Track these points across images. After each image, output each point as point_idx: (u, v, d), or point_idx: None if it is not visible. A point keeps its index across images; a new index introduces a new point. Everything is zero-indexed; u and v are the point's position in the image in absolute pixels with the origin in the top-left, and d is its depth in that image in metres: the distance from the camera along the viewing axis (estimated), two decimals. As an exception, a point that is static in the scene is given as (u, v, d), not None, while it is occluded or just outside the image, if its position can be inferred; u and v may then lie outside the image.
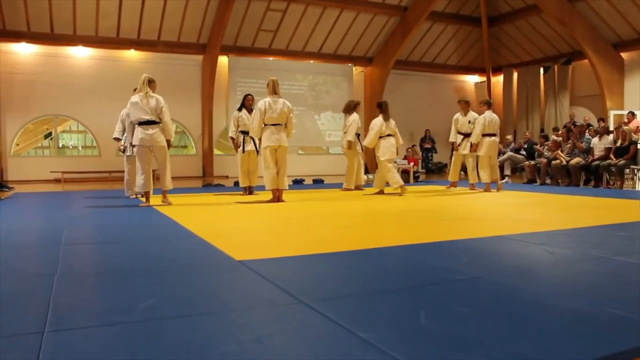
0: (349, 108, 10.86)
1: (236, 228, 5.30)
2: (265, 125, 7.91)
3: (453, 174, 10.76)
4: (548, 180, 12.28)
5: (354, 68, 19.99)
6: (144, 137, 7.21)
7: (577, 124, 15.23)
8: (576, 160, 11.59)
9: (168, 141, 7.42)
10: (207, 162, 17.34)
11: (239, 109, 9.53)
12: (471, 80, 22.47)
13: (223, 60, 17.66)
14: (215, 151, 17.91)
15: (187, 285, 2.99)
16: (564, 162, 11.75)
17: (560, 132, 13.58)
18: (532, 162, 12.64)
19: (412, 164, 14.07)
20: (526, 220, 5.86)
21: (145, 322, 2.36)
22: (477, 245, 4.24)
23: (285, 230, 5.17)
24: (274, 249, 4.11)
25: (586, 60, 17.50)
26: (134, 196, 8.66)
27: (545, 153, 12.58)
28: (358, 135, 10.74)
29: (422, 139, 19.97)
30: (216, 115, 17.48)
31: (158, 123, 7.30)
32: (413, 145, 18.80)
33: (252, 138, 8.68)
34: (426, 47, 20.56)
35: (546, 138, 13.40)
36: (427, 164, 19.89)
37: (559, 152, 12.15)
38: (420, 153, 19.56)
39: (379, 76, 19.55)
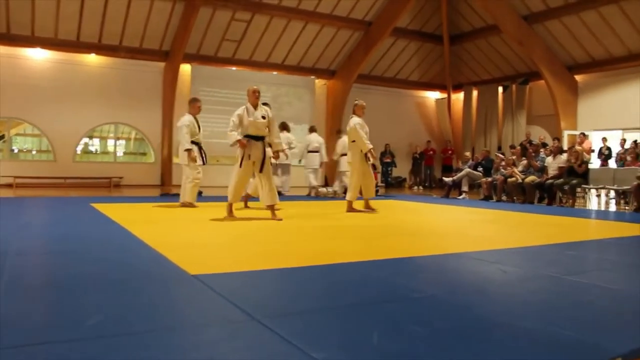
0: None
1: (193, 240, 5.21)
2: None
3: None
4: (504, 197, 12.49)
5: (316, 81, 20.04)
6: None
7: (533, 142, 15.59)
8: (531, 178, 11.82)
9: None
10: (165, 171, 17.11)
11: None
12: (432, 96, 22.77)
13: (186, 68, 17.50)
14: (175, 159, 17.67)
15: (138, 301, 2.91)
16: (520, 180, 11.98)
17: (515, 149, 13.85)
18: (489, 179, 12.84)
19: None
20: (482, 237, 5.91)
21: (90, 341, 2.28)
22: (434, 262, 4.25)
23: (242, 244, 5.11)
24: (230, 263, 4.05)
25: (542, 81, 17.96)
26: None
27: (502, 170, 12.80)
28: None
29: (382, 153, 20.10)
30: (177, 125, 17.25)
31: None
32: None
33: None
34: (389, 62, 20.78)
35: (503, 154, 13.64)
36: (387, 178, 20.03)
37: (514, 169, 12.38)
38: (380, 167, 19.69)
39: (341, 89, 19.65)
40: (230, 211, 7.33)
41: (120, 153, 17.60)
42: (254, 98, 7.26)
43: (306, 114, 19.61)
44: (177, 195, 12.14)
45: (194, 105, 9.28)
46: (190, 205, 8.96)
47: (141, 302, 2.86)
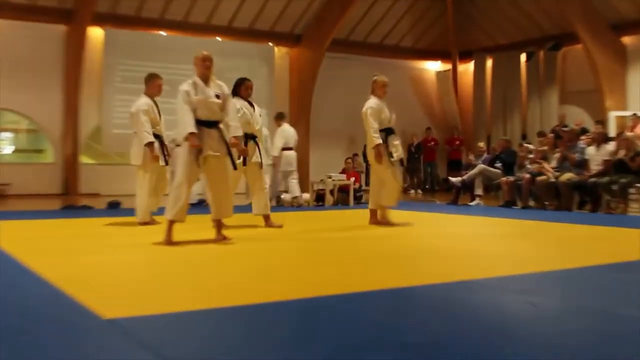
0: None
1: (110, 270, 5.14)
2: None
3: None
4: (532, 203, 12.59)
5: (276, 49, 19.98)
6: None
7: (568, 127, 15.76)
8: (567, 176, 11.93)
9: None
10: (70, 175, 16.91)
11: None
12: (432, 68, 22.92)
13: (96, 33, 17.34)
14: (83, 159, 17.46)
15: (29, 358, 2.83)
16: (552, 179, 12.08)
17: (546, 137, 13.97)
18: (511, 178, 12.92)
19: (352, 179, 14.13)
20: (502, 257, 5.94)
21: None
22: (437, 294, 4.24)
23: (183, 273, 5.06)
24: (165, 300, 3.99)
25: (579, 45, 18.17)
26: None
27: (528, 166, 12.91)
28: None
29: (366, 145, 20.12)
30: (85, 110, 17.09)
31: None
32: (354, 155, 18.94)
33: (256, 144, 8.66)
34: (373, 23, 20.85)
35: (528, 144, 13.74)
36: (373, 180, 20.06)
37: (545, 165, 12.47)
38: (363, 165, 19.70)
39: (309, 60, 19.64)
40: (169, 234, 6.76)
41: (6, 150, 17.32)
42: (204, 68, 7.02)
43: (262, 94, 19.47)
44: (87, 207, 12.07)
45: (153, 84, 9.38)
46: (151, 222, 8.84)
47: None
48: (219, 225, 7.08)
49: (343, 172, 14.71)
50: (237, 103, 8.09)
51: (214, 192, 7.04)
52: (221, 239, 6.95)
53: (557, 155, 12.55)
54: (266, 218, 8.58)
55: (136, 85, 17.72)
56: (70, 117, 16.85)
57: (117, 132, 17.45)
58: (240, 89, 8.56)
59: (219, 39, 18.81)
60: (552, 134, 14.51)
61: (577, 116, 18.29)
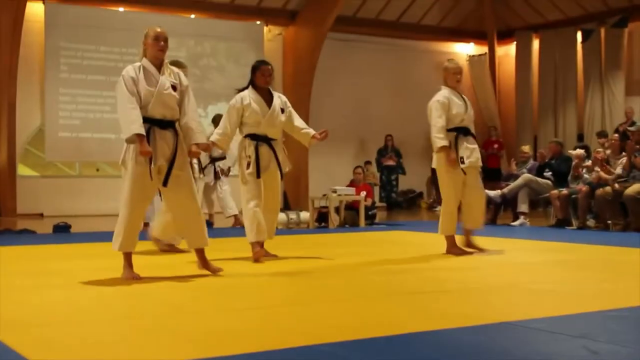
0: None
1: (59, 313, 5.11)
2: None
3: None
4: (591, 222, 12.56)
5: (265, 28, 20.03)
6: None
7: (638, 125, 15.70)
8: (636, 187, 11.89)
9: None
10: (4, 190, 16.89)
11: (243, 89, 8.48)
12: (463, 51, 22.96)
13: (35, 9, 17.38)
14: (21, 170, 17.46)
15: None
16: (616, 186, 12.02)
17: (610, 139, 13.87)
18: (564, 191, 12.90)
19: (363, 193, 14.05)
20: (555, 293, 5.92)
21: None
22: (472, 340, 4.22)
23: (158, 316, 5.03)
24: (133, 353, 3.98)
25: (651, 21, 18.19)
26: None
27: (586, 175, 12.87)
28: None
29: (381, 151, 20.16)
30: (23, 107, 17.11)
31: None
32: (366, 163, 18.96)
33: (272, 149, 8.27)
34: (388, -5, 20.90)
35: (586, 149, 13.71)
36: (390, 194, 20.07)
37: (605, 170, 12.37)
38: (377, 175, 19.71)
39: (307, 42, 19.65)
40: (128, 266, 6.71)
41: None
42: (157, 49, 6.74)
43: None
44: (28, 232, 12.04)
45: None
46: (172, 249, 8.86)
47: None
48: (201, 253, 6.92)
49: (351, 184, 14.58)
50: (248, 97, 8.18)
51: (179, 217, 6.93)
52: (207, 270, 6.89)
53: (624, 161, 12.49)
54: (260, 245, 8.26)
55: (87, 76, 17.86)
56: (4, 117, 16.85)
57: (64, 136, 17.53)
58: (256, 75, 8.39)
59: (193, 16, 18.86)
60: (616, 134, 14.45)
61: (648, 111, 18.31)
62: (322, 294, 6.06)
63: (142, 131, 6.40)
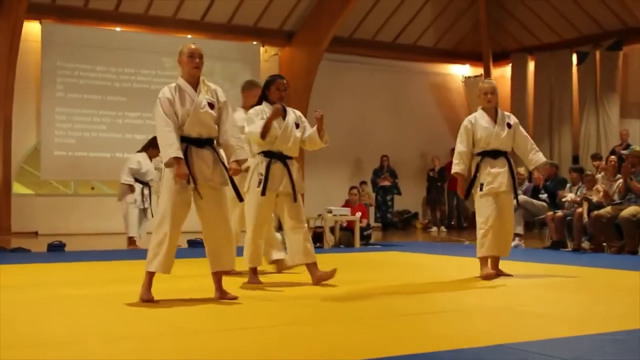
0: None
1: (62, 342, 5.11)
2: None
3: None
4: (585, 244, 12.55)
5: (261, 49, 20.05)
6: None
7: (633, 148, 15.70)
8: (631, 210, 11.89)
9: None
10: (0, 208, 16.84)
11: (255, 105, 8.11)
12: (458, 72, 22.99)
13: (32, 28, 17.39)
14: (16, 188, 17.42)
15: None
16: (608, 214, 12.04)
17: (609, 160, 13.68)
18: (560, 213, 12.90)
19: (358, 214, 14.04)
20: (549, 316, 5.91)
21: None
22: (466, 363, 4.22)
23: (167, 343, 5.02)
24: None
25: (645, 45, 18.23)
26: None
27: (570, 197, 12.85)
28: None
29: (376, 171, 20.16)
30: (19, 125, 17.10)
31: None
32: (361, 183, 18.95)
33: (286, 167, 7.86)
34: (384, 17, 20.92)
35: (580, 171, 13.70)
36: (385, 214, 20.04)
37: (597, 190, 12.37)
38: (372, 196, 19.70)
39: (304, 63, 19.68)
40: (148, 288, 6.52)
41: None
42: (192, 67, 6.69)
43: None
44: (22, 251, 11.99)
45: (250, 94, 9.09)
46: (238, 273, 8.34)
47: None
48: (218, 279, 6.72)
49: (347, 205, 14.53)
50: (262, 112, 7.78)
51: (210, 236, 6.67)
52: (224, 297, 6.64)
53: (618, 182, 12.51)
54: (312, 267, 7.85)
55: (83, 95, 17.85)
56: (0, 135, 16.82)
57: (60, 155, 17.49)
58: (270, 90, 7.93)
59: (189, 36, 18.88)
60: (613, 156, 14.36)
61: (644, 133, 18.33)
62: (318, 315, 6.04)
63: (180, 154, 6.35)
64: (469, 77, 22.68)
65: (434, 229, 19.86)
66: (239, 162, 6.70)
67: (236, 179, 6.87)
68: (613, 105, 19.71)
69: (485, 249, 8.29)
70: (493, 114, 8.49)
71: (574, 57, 20.51)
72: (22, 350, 4.52)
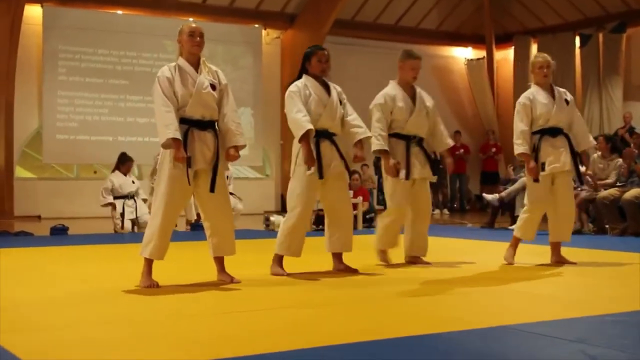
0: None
1: (68, 325, 5.11)
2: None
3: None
4: (589, 226, 12.56)
5: (263, 32, 20.03)
6: None
7: (637, 130, 15.71)
8: (634, 192, 11.90)
9: None
10: (2, 192, 16.86)
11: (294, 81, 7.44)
12: (461, 55, 22.95)
13: (33, 12, 17.37)
14: (19, 172, 17.44)
15: None
16: (612, 196, 12.03)
17: (598, 142, 13.49)
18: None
19: (360, 198, 14.03)
20: (552, 298, 5.94)
21: None
22: (469, 344, 4.22)
23: (169, 325, 5.05)
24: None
25: (649, 26, 18.19)
26: None
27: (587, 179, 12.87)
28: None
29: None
30: (21, 110, 17.09)
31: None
32: (362, 166, 18.92)
33: (335, 145, 7.31)
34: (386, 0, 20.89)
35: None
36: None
37: (594, 183, 12.36)
38: (375, 179, 19.67)
39: (305, 45, 19.02)
40: (148, 273, 6.41)
41: None
42: (193, 46, 6.49)
43: (245, 89, 19.57)
44: (25, 234, 12.01)
45: (404, 66, 8.26)
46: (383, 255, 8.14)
47: None
48: (220, 262, 6.66)
49: (349, 188, 14.46)
50: (306, 86, 7.20)
51: (211, 222, 6.56)
52: (225, 280, 6.57)
53: (617, 163, 12.53)
54: (340, 258, 7.48)
55: (85, 79, 17.83)
56: (2, 119, 16.82)
57: (62, 138, 17.49)
58: (311, 62, 7.29)
59: (191, 19, 18.83)
60: (603, 138, 14.05)
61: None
62: (319, 298, 6.04)
63: (178, 135, 6.16)
64: (471, 59, 22.65)
65: (437, 211, 19.84)
66: (237, 148, 6.55)
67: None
68: (616, 87, 19.69)
69: (523, 232, 8.02)
70: (549, 89, 8.15)
71: (577, 40, 20.48)
72: (23, 333, 4.54)
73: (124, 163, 13.43)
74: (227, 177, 13.28)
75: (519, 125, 7.95)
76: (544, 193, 7.89)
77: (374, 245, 8.06)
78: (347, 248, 7.43)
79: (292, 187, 7.23)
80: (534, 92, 8.10)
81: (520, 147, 7.88)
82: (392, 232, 7.96)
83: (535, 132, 7.97)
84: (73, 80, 17.62)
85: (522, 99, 8.12)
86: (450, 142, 7.74)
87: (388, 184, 7.81)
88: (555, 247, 8.07)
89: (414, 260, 7.91)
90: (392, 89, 7.84)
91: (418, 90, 7.84)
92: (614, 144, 12.97)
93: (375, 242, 8.02)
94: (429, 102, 7.89)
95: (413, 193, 7.81)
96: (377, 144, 7.65)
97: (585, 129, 8.36)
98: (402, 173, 7.55)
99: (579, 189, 12.49)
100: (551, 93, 8.07)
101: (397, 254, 8.04)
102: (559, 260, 7.98)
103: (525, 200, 8.27)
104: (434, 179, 7.92)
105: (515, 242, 8.11)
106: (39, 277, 7.20)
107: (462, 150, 20.66)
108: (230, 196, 7.25)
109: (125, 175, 13.44)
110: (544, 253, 8.14)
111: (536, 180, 7.83)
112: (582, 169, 8.59)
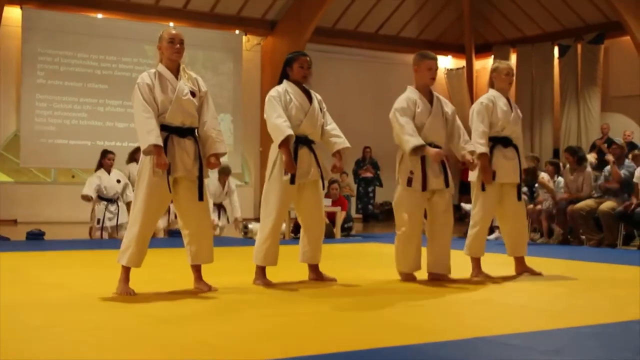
0: None
1: (42, 334, 5.08)
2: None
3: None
4: (555, 236, 12.68)
5: (244, 38, 20.03)
6: None
7: (616, 141, 15.74)
8: (610, 204, 11.96)
9: None
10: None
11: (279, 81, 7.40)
12: (441, 64, 22.87)
13: (12, 13, 17.31)
14: (5, 177, 17.37)
15: None
16: (588, 207, 12.09)
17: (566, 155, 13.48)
18: (538, 206, 12.96)
19: (338, 207, 13.97)
20: (526, 308, 5.96)
21: None
22: (445, 355, 4.22)
23: (146, 332, 5.00)
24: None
25: (627, 38, 18.30)
26: None
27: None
28: None
29: (358, 162, 20.15)
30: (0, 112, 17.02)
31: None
32: (342, 174, 18.93)
33: (313, 152, 7.22)
34: (367, 8, 20.94)
35: (556, 165, 13.72)
36: (366, 206, 20.03)
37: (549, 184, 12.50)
38: (354, 187, 19.68)
39: (286, 52, 19.19)
40: (125, 281, 6.34)
41: None
42: (173, 52, 6.44)
43: (225, 96, 19.55)
44: (2, 239, 11.91)
45: (420, 68, 7.85)
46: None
47: None
48: (198, 270, 6.60)
49: (327, 197, 14.37)
50: (287, 92, 7.09)
51: (189, 229, 6.50)
52: (202, 288, 6.51)
53: (585, 174, 12.66)
54: (315, 268, 7.46)
55: (64, 82, 17.75)
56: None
57: (40, 142, 17.42)
58: (293, 67, 7.18)
59: (171, 24, 18.83)
60: (566, 152, 14.03)
61: (624, 126, 18.38)
62: (293, 306, 6.03)
63: (160, 142, 6.12)
64: (451, 69, 22.73)
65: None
66: (218, 156, 6.53)
67: None
68: (594, 98, 19.79)
69: (475, 249, 7.77)
70: (506, 98, 7.95)
71: (556, 50, 20.59)
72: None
73: (104, 156, 12.95)
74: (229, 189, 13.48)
75: (480, 126, 7.66)
76: (494, 203, 7.77)
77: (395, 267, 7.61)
78: (315, 260, 7.40)
79: (267, 192, 7.13)
80: (496, 96, 7.86)
81: (482, 147, 7.55)
82: (409, 252, 7.52)
83: (491, 139, 7.73)
84: (52, 84, 17.56)
85: (484, 99, 7.85)
86: (469, 147, 7.34)
87: (397, 192, 7.69)
88: (518, 259, 7.99)
89: (436, 277, 7.45)
90: (411, 92, 7.59)
91: (436, 95, 7.58)
92: (579, 156, 12.97)
93: (395, 264, 7.59)
94: (448, 107, 7.57)
95: (430, 205, 7.58)
96: (409, 142, 7.27)
97: (523, 149, 8.15)
98: (418, 184, 7.34)
99: (542, 200, 12.66)
100: (508, 102, 7.93)
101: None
102: (524, 270, 7.92)
103: (472, 212, 7.90)
104: (450, 190, 7.51)
105: (476, 262, 7.81)
106: (14, 282, 7.13)
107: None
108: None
109: (108, 173, 12.96)
110: (508, 264, 8.13)
111: (483, 189, 7.66)
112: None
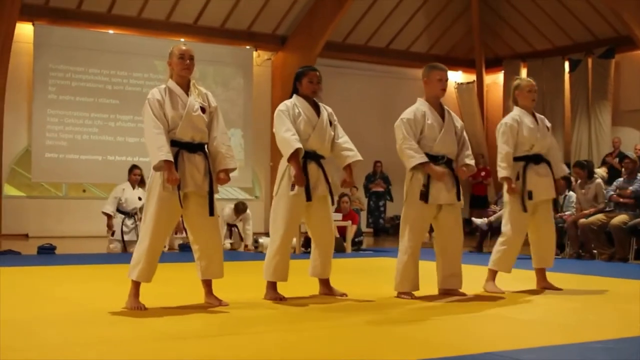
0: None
1: (45, 334, 5.04)
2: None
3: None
4: (567, 251, 12.63)
5: (254, 53, 20.05)
6: None
7: (629, 155, 15.67)
8: (621, 218, 11.92)
9: None
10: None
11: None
12: (451, 79, 22.92)
13: (24, 30, 17.38)
14: (7, 190, 17.38)
15: None
16: (599, 222, 12.05)
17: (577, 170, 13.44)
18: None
19: (349, 222, 13.94)
20: (538, 323, 5.93)
21: None
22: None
23: (156, 349, 4.97)
24: None
25: (638, 52, 18.34)
26: None
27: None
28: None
29: (369, 177, 20.12)
30: (10, 128, 17.05)
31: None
32: (351, 188, 18.92)
33: (322, 168, 7.19)
34: (377, 23, 20.95)
35: (567, 180, 13.68)
36: (377, 220, 19.99)
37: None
38: (364, 201, 19.64)
39: (296, 67, 19.14)
40: (135, 295, 6.32)
41: None
42: (183, 68, 6.49)
43: (236, 111, 19.57)
44: (13, 253, 11.90)
45: (430, 80, 7.84)
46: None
47: None
48: (208, 285, 6.60)
49: (338, 211, 14.36)
50: (295, 106, 7.08)
51: (200, 244, 6.51)
52: (213, 303, 6.51)
53: (590, 188, 12.65)
54: (325, 283, 7.46)
55: (75, 98, 17.79)
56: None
57: (51, 157, 17.44)
58: (302, 82, 7.18)
59: (182, 40, 18.85)
60: (576, 168, 13.96)
61: (635, 141, 18.33)
62: (304, 321, 6.02)
63: (170, 157, 6.13)
64: (461, 83, 22.72)
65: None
66: (227, 171, 6.54)
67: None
68: (605, 113, 19.73)
69: (504, 266, 7.86)
70: (532, 114, 7.89)
71: (567, 65, 20.56)
72: (7, 353, 4.49)
73: (131, 171, 13.19)
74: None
75: (504, 147, 7.68)
76: (526, 222, 7.77)
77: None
78: (325, 274, 7.38)
79: (275, 207, 7.14)
80: (520, 115, 7.82)
81: (504, 170, 7.61)
82: (411, 271, 7.45)
83: (519, 159, 7.75)
84: (63, 99, 17.60)
85: (509, 120, 7.82)
86: (467, 161, 7.36)
87: (406, 208, 7.63)
88: (541, 273, 8.04)
89: (448, 292, 7.41)
90: (421, 104, 7.58)
91: (446, 108, 7.53)
92: (589, 169, 12.98)
93: (395, 284, 7.47)
94: (457, 122, 7.55)
95: (439, 220, 7.56)
96: (414, 158, 7.43)
97: (559, 157, 8.26)
98: (432, 198, 7.30)
99: (567, 213, 12.58)
100: (534, 118, 7.88)
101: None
102: (545, 287, 7.92)
103: (504, 229, 7.89)
104: (460, 204, 7.51)
105: (493, 275, 7.89)
106: (25, 297, 7.15)
107: (483, 173, 20.65)
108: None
109: (133, 187, 13.12)
110: (527, 279, 8.12)
111: (525, 210, 7.64)
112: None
